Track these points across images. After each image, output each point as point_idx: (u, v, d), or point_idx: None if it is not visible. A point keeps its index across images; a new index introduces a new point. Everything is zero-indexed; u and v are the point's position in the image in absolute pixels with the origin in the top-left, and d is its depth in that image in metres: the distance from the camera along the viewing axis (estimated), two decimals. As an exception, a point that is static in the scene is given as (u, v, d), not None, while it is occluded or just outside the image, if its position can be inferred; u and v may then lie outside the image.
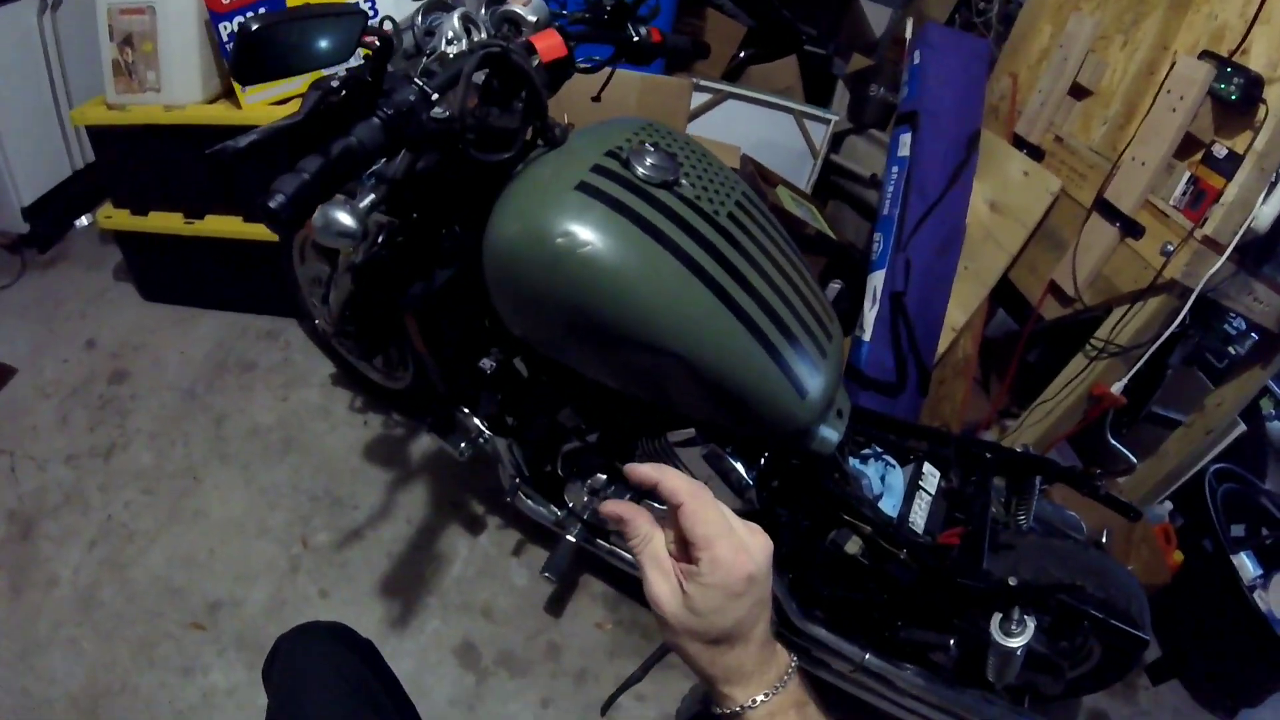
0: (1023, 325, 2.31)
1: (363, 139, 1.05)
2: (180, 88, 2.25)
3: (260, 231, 2.37)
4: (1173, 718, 2.05)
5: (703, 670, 0.66)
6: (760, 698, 0.65)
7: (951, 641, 1.47)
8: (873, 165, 2.96)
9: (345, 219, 1.06)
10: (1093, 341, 2.04)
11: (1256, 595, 1.97)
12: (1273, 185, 1.72)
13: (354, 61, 1.16)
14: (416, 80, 1.10)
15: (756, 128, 2.93)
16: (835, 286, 1.75)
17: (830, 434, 1.40)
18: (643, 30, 1.50)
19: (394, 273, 1.51)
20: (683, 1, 3.14)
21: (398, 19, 1.19)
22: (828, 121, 2.98)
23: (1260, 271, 1.84)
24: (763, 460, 1.46)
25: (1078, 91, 2.26)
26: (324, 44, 1.07)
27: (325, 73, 1.12)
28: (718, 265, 1.26)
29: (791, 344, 1.31)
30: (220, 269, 2.59)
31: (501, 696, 1.82)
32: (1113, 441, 2.16)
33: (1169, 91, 1.86)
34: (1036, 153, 2.34)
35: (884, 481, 1.61)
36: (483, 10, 1.32)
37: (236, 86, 2.24)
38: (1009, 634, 1.33)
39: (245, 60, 0.99)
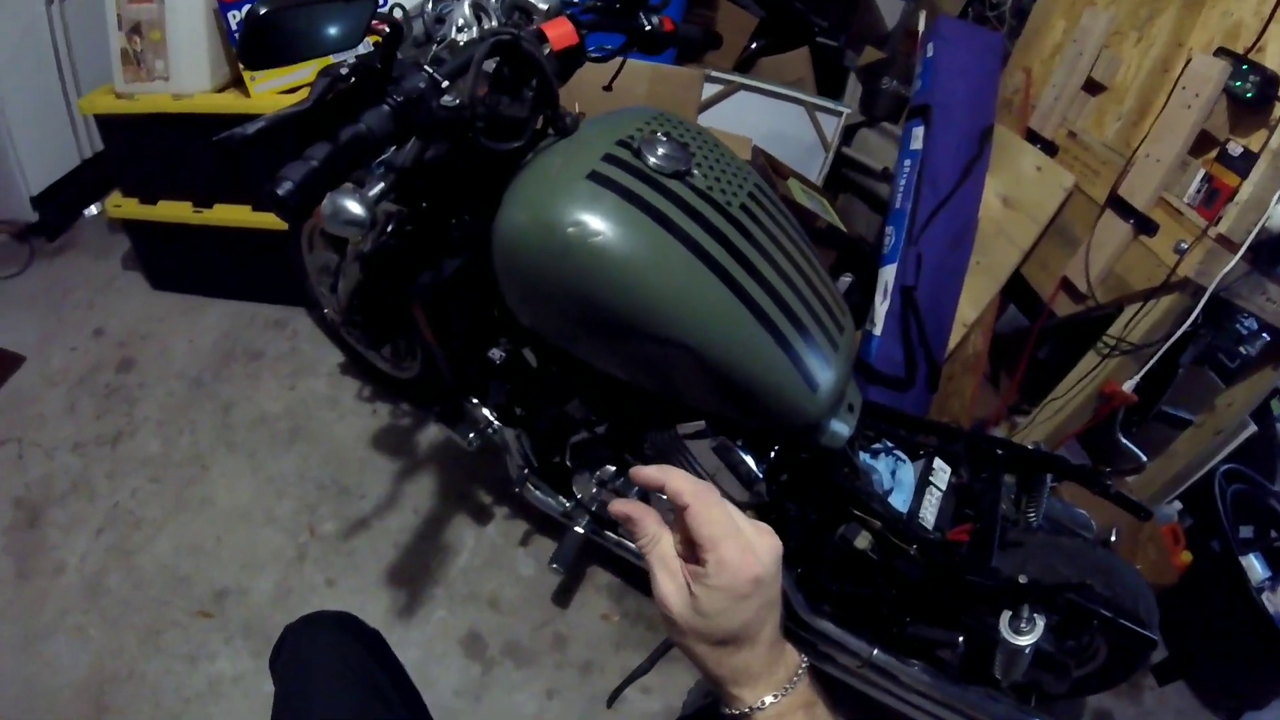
0: (1034, 321, 2.29)
1: (372, 126, 1.04)
2: (189, 76, 2.25)
3: (269, 220, 2.37)
4: (1176, 719, 2.04)
5: (710, 671, 0.66)
6: (769, 699, 0.64)
7: (959, 638, 1.46)
8: (884, 158, 2.94)
9: (354, 207, 1.06)
10: (1104, 339, 2.03)
11: (1264, 597, 1.95)
12: (1288, 184, 1.71)
13: (363, 49, 1.15)
14: (426, 68, 1.09)
15: (768, 119, 2.92)
16: (846, 280, 1.74)
17: (841, 428, 1.39)
18: (654, 19, 1.48)
19: (403, 262, 1.50)
20: (694, -9, 3.12)
21: (408, 6, 1.19)
22: (840, 114, 2.96)
23: (1274, 271, 1.82)
24: (772, 453, 1.45)
25: (1092, 87, 2.24)
26: (333, 30, 1.06)
27: (334, 60, 1.11)
28: (729, 256, 1.25)
29: (803, 336, 1.30)
30: (229, 258, 2.59)
31: (507, 687, 1.82)
32: (1123, 440, 2.15)
33: (1184, 88, 1.84)
34: (1050, 148, 2.32)
35: (894, 477, 1.60)
36: (494, -3, 1.31)
37: (246, 75, 2.24)
38: (1018, 632, 1.32)
39: (253, 44, 0.99)
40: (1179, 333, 1.90)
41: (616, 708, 1.78)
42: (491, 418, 1.76)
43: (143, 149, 2.41)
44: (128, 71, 2.27)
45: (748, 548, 0.64)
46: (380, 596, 1.94)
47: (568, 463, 1.74)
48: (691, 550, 0.65)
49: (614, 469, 1.64)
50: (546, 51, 1.23)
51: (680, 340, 1.23)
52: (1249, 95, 1.72)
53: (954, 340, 2.33)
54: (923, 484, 1.60)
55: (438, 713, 1.12)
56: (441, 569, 2.01)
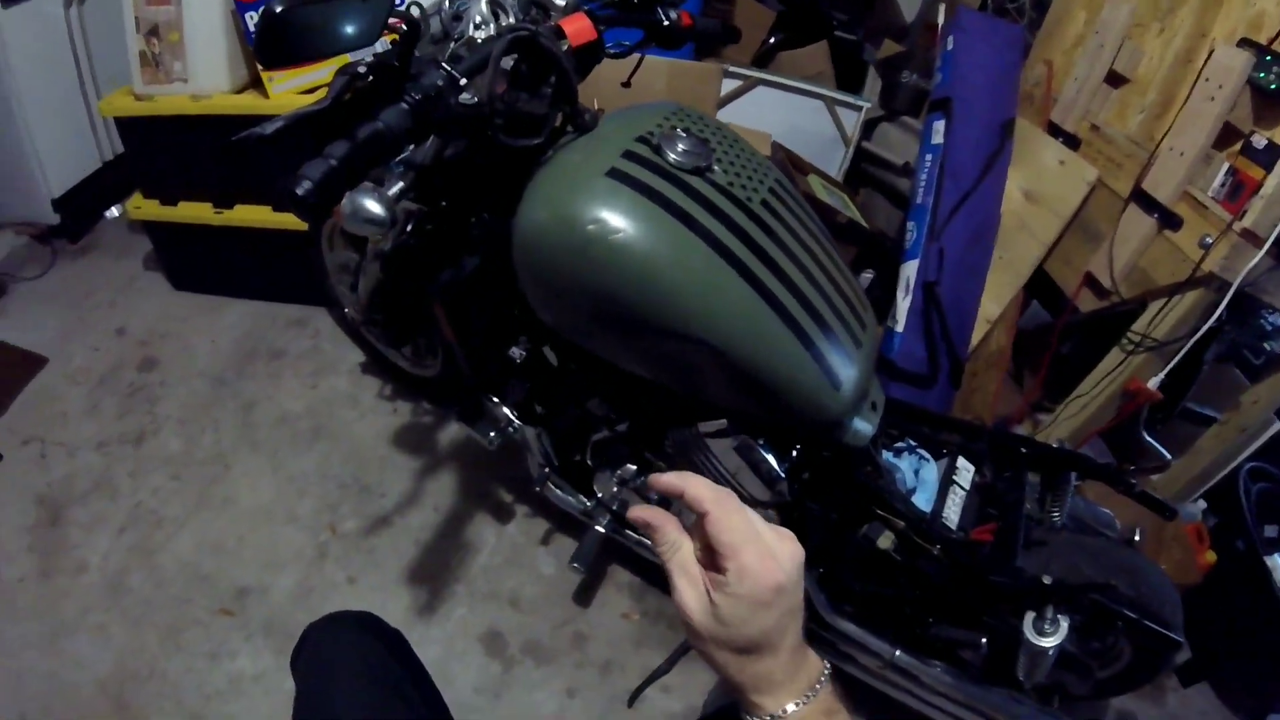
0: (1057, 317, 2.27)
1: (390, 124, 1.03)
2: (207, 77, 2.26)
3: (290, 220, 2.38)
4: (1199, 721, 2.02)
5: (732, 678, 0.65)
6: (791, 706, 0.63)
7: (982, 639, 1.44)
8: (905, 153, 2.92)
9: (373, 206, 1.05)
10: (1128, 335, 2.01)
11: (1289, 597, 1.93)
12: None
13: (380, 46, 1.15)
14: (444, 65, 1.08)
15: (787, 114, 2.90)
16: (867, 276, 1.73)
17: (864, 426, 1.38)
18: (672, 14, 1.47)
19: (422, 260, 1.50)
20: (712, -14, 3.11)
21: (425, 3, 1.18)
22: (859, 108, 2.94)
23: (1300, 267, 1.80)
24: (794, 452, 1.44)
25: (1114, 79, 2.22)
26: (349, 28, 1.06)
27: (351, 58, 1.11)
28: (751, 253, 1.24)
29: (825, 333, 1.29)
30: (249, 258, 2.60)
31: (527, 685, 1.82)
32: (1147, 438, 2.13)
33: (1207, 80, 1.82)
34: (1072, 141, 2.30)
35: (917, 475, 1.59)
36: (511, -7, 1.30)
37: (264, 76, 2.24)
38: (1042, 633, 1.30)
39: (269, 42, 0.99)
40: (1204, 329, 1.88)
41: (637, 707, 1.78)
42: (512, 416, 1.76)
43: (162, 150, 2.43)
44: (146, 73, 2.28)
45: (769, 554, 0.63)
46: (401, 594, 1.94)
47: (588, 461, 1.73)
48: (712, 557, 0.64)
49: (635, 467, 1.63)
50: (564, 47, 1.22)
51: (701, 337, 1.22)
52: (1273, 86, 1.70)
53: (976, 336, 2.31)
54: (946, 483, 1.59)
55: (458, 710, 1.11)
56: (462, 567, 2.01)
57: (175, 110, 2.28)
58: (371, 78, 1.06)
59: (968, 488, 1.60)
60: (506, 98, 1.23)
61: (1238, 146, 1.80)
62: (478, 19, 1.24)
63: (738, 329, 1.23)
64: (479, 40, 1.22)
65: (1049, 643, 1.29)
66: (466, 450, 2.27)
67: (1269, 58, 1.70)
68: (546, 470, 1.84)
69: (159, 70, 2.26)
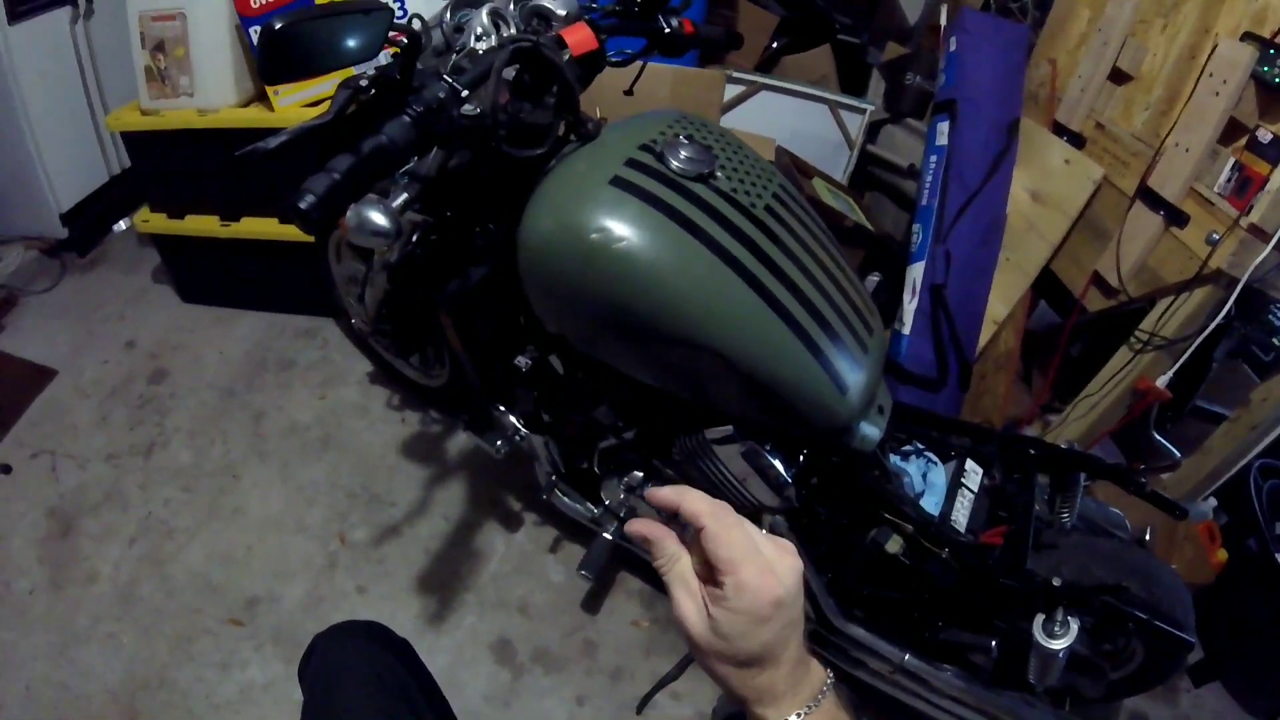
0: (1065, 317, 2.27)
1: (393, 137, 1.04)
2: (213, 91, 2.27)
3: (297, 232, 2.38)
4: (1213, 721, 2.01)
5: (734, 691, 0.64)
6: (793, 718, 0.63)
7: (992, 643, 1.44)
8: (910, 155, 2.92)
9: (378, 218, 1.06)
10: (1137, 334, 2.00)
11: (1302, 595, 1.92)
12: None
13: (383, 60, 1.15)
14: (446, 77, 1.08)
15: (791, 119, 2.90)
16: (874, 279, 1.72)
17: (871, 431, 1.38)
18: (674, 21, 1.48)
19: (428, 271, 1.51)
20: (714, -8, 3.11)
21: (426, 15, 1.19)
22: (864, 111, 2.94)
23: (1308, 261, 1.79)
24: (802, 457, 1.44)
25: (1118, 77, 2.21)
26: (351, 42, 1.06)
27: (354, 72, 1.11)
28: (755, 259, 1.24)
29: (831, 339, 1.29)
30: (257, 270, 2.62)
31: (537, 693, 1.82)
32: (1157, 437, 2.12)
33: (1211, 75, 1.81)
34: (1078, 140, 2.29)
35: (925, 479, 1.59)
36: (512, 4, 1.30)
37: (269, 89, 2.25)
38: (1052, 635, 1.30)
39: (271, 59, 0.99)
40: (1212, 326, 1.88)
41: (646, 714, 1.77)
42: (519, 425, 1.76)
43: (169, 164, 2.44)
44: (153, 88, 2.29)
45: (767, 569, 0.62)
46: (411, 603, 1.95)
47: (596, 469, 1.73)
48: (711, 571, 0.64)
49: (642, 474, 1.63)
50: (566, 57, 1.22)
51: (706, 344, 1.22)
52: (1277, 80, 1.69)
53: (984, 338, 2.31)
54: (955, 486, 1.58)
55: (467, 718, 1.12)
56: (471, 575, 2.02)
57: (181, 124, 2.29)
58: (374, 91, 1.06)
59: (976, 490, 1.59)
60: (509, 108, 1.23)
61: (1243, 141, 1.79)
62: (479, 30, 1.24)
63: (743, 335, 1.23)
64: (481, 52, 1.22)
65: (1060, 645, 1.28)
66: (475, 459, 2.27)
67: (1273, 51, 1.70)
68: (554, 478, 1.84)
69: (165, 85, 2.27)
